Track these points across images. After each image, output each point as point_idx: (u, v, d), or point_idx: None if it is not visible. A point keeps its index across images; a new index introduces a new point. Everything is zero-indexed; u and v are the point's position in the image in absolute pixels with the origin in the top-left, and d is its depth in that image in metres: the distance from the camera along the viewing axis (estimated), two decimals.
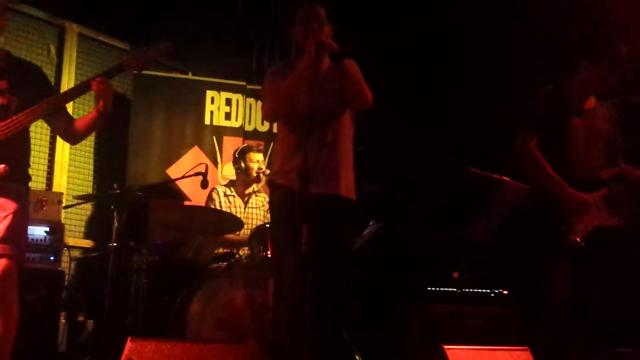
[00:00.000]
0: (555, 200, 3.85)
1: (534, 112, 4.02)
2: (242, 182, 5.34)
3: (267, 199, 5.26)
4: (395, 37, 5.86)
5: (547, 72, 4.30)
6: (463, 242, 4.66)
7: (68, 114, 3.53)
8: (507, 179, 4.36)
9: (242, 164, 5.30)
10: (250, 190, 5.35)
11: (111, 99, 3.38)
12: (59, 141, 5.72)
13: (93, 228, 5.88)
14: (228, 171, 5.98)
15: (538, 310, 3.87)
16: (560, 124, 3.95)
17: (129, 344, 2.55)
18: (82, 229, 5.88)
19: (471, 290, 4.50)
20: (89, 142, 6.02)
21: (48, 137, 5.72)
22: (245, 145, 5.61)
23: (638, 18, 4.58)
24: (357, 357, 3.75)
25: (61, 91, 4.10)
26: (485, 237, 4.55)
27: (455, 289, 4.49)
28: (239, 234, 5.09)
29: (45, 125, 3.97)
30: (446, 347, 2.68)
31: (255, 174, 5.27)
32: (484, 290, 4.49)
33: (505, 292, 4.46)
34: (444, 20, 5.76)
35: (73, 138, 3.62)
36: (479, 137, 5.25)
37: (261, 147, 5.49)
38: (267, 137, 6.27)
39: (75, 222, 5.83)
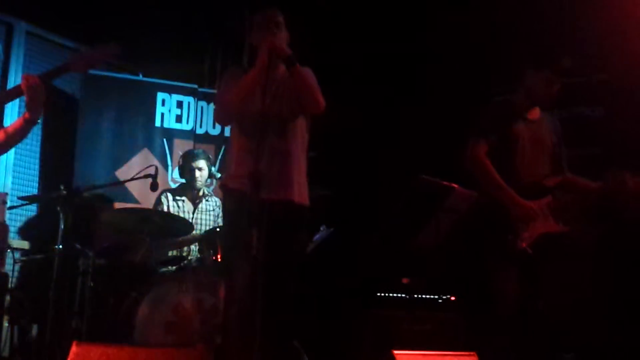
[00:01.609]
0: (502, 208, 3.91)
1: (483, 122, 4.08)
2: (190, 187, 5.29)
3: (219, 203, 5.22)
4: (352, 47, 5.87)
5: (500, 84, 4.36)
6: (413, 248, 4.69)
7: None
8: (456, 186, 4.41)
9: (187, 172, 5.25)
10: (200, 194, 5.30)
11: (41, 103, 3.13)
12: None
13: (38, 230, 5.73)
14: (177, 174, 5.91)
15: (486, 315, 3.92)
16: (507, 133, 4.02)
17: (74, 349, 2.50)
18: (27, 231, 5.73)
19: (420, 296, 4.53)
20: (35, 142, 5.89)
21: None
22: (187, 151, 5.54)
23: (594, 33, 4.67)
24: None
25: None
26: (435, 243, 4.59)
27: (404, 295, 4.52)
28: (187, 238, 5.03)
29: None
30: (396, 352, 2.68)
31: (198, 182, 5.22)
32: (433, 297, 4.53)
33: (453, 298, 4.50)
34: (403, 33, 5.79)
35: None
36: (430, 145, 5.29)
37: (206, 153, 5.42)
38: (219, 140, 6.24)
39: (19, 223, 5.68)
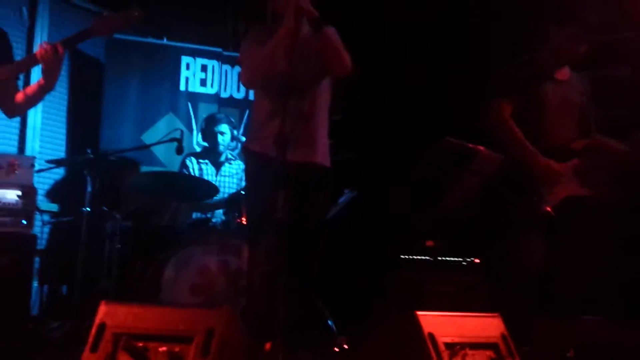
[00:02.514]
0: (527, 170, 3.90)
1: (508, 82, 4.04)
2: (213, 151, 5.31)
3: (242, 167, 5.25)
4: (375, 7, 5.80)
5: (525, 43, 4.30)
6: (438, 211, 4.69)
7: (16, 85, 3.38)
8: (482, 148, 4.39)
9: (210, 136, 5.27)
10: (223, 158, 5.32)
11: (56, 71, 3.16)
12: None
13: (66, 193, 5.81)
14: (201, 138, 5.94)
15: (508, 278, 3.94)
16: (533, 94, 3.99)
17: (102, 308, 2.54)
18: (55, 194, 5.82)
19: (444, 258, 4.54)
20: (62, 106, 5.94)
21: None
22: (209, 115, 5.56)
23: None
24: (330, 324, 3.79)
25: None
26: (460, 205, 4.59)
27: (428, 258, 4.53)
28: (212, 201, 5.08)
29: None
30: (419, 313, 2.69)
31: (221, 146, 5.24)
32: (457, 259, 4.54)
33: (477, 260, 4.51)
34: None
35: (10, 111, 3.45)
36: (456, 106, 5.25)
37: (228, 117, 5.43)
38: (243, 104, 6.24)
39: (47, 186, 5.77)
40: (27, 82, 4.62)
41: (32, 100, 3.31)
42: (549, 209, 3.82)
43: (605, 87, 4.20)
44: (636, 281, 4.17)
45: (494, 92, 4.01)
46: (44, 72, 3.15)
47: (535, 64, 4.04)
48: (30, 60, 3.21)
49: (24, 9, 5.71)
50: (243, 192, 4.68)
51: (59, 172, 5.86)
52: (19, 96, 3.31)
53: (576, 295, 3.72)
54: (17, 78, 3.35)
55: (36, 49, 3.83)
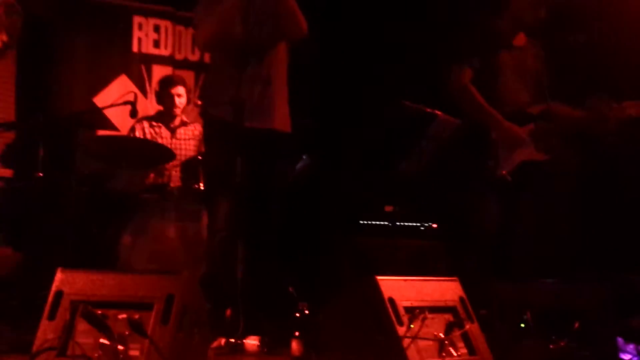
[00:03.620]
0: (484, 135, 3.94)
1: (467, 48, 4.07)
2: (168, 115, 5.24)
3: (199, 130, 5.20)
4: None
5: (485, 9, 4.32)
6: (396, 176, 4.74)
7: None
8: (439, 112, 4.43)
9: (165, 98, 5.20)
10: (178, 122, 5.26)
11: (18, 27, 3.13)
12: None
13: (20, 158, 5.68)
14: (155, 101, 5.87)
15: (466, 242, 4.01)
16: (491, 60, 4.02)
17: (59, 275, 2.52)
18: (9, 159, 5.67)
19: (402, 224, 4.59)
20: (11, 68, 5.78)
21: None
22: (165, 77, 5.48)
23: None
24: (290, 290, 3.82)
25: None
26: (418, 170, 4.64)
27: (387, 223, 4.58)
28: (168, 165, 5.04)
29: None
30: (379, 278, 2.73)
31: (177, 109, 5.17)
32: (415, 224, 4.59)
33: (435, 225, 4.57)
34: None
35: None
36: (414, 71, 5.26)
37: (184, 80, 5.37)
38: (199, 67, 6.16)
39: None
40: None
41: None
42: (505, 173, 3.88)
43: (561, 53, 4.25)
44: (590, 243, 4.28)
45: (454, 58, 4.03)
46: (3, 27, 3.07)
47: (494, 31, 4.07)
48: None
49: None
50: (200, 157, 4.65)
51: (8, 137, 5.72)
52: None
53: (532, 258, 3.81)
54: None
55: None
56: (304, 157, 4.92)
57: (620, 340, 3.24)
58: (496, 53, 4.04)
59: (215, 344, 3.22)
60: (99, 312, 2.42)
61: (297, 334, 3.03)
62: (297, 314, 3.08)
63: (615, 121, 3.94)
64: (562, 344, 2.83)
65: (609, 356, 2.90)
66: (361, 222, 4.58)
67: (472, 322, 2.84)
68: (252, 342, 3.28)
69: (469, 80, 3.98)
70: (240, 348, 3.26)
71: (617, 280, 3.86)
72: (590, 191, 4.36)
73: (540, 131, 3.98)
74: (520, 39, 4.12)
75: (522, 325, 2.91)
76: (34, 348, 2.37)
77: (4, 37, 3.11)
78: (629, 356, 3.28)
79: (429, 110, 4.46)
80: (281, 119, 3.69)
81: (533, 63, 4.13)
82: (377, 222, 4.59)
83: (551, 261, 3.77)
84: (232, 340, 3.28)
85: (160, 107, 5.34)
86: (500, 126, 3.92)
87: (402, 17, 5.64)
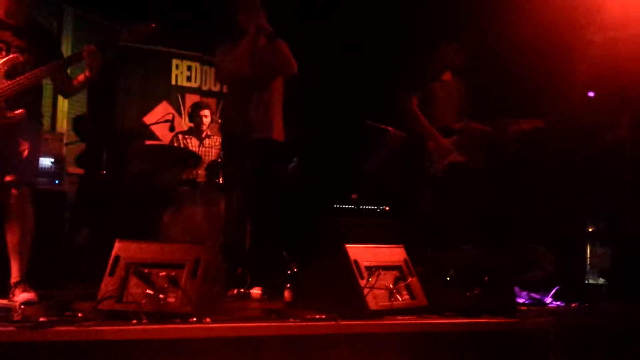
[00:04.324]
0: (422, 144, 3.95)
1: (413, 81, 4.07)
2: (197, 130, 5.23)
3: (219, 141, 5.17)
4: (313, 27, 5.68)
5: (423, 55, 4.31)
6: (360, 173, 4.73)
7: (67, 74, 3.28)
8: (390, 128, 4.42)
9: (195, 118, 5.19)
10: (204, 135, 5.24)
11: (98, 66, 3.11)
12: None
13: (87, 160, 5.61)
14: (189, 120, 5.85)
15: (409, 220, 4.01)
16: (428, 90, 4.03)
17: (117, 245, 2.50)
18: (82, 161, 5.58)
19: (364, 207, 4.57)
20: (84, 95, 5.72)
21: (51, 89, 5.37)
22: (196, 102, 5.49)
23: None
24: (284, 254, 3.80)
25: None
26: (376, 169, 4.64)
27: (353, 206, 4.56)
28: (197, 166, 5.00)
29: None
30: (347, 246, 2.73)
31: (204, 126, 5.16)
32: (373, 207, 4.58)
33: (387, 208, 4.56)
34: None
35: (67, 94, 3.38)
36: (373, 97, 5.22)
37: (209, 105, 5.37)
38: (219, 95, 6.14)
39: (72, 155, 5.56)
40: None
41: (81, 87, 3.21)
42: (436, 171, 3.89)
43: (476, 86, 4.27)
44: (497, 221, 4.30)
45: (402, 88, 4.04)
46: (88, 65, 3.05)
47: (430, 70, 4.08)
48: (77, 56, 3.10)
49: (53, 23, 5.44)
50: (220, 160, 4.62)
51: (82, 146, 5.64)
52: (73, 82, 3.19)
53: (456, 231, 3.82)
54: (67, 68, 3.21)
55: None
56: (295, 159, 4.90)
57: (517, 289, 3.26)
58: (431, 85, 4.05)
59: (229, 293, 3.21)
60: (146, 270, 2.41)
61: (288, 285, 3.02)
62: (289, 272, 3.07)
63: (512, 133, 3.97)
64: (475, 292, 2.83)
65: (509, 300, 2.91)
66: (335, 206, 4.56)
67: (413, 276, 2.85)
68: (256, 291, 3.27)
69: (415, 105, 3.99)
70: (247, 296, 3.26)
71: (515, 247, 3.89)
72: (496, 183, 4.38)
73: (461, 141, 4.01)
74: (447, 76, 4.13)
75: (448, 279, 2.91)
76: (99, 296, 2.35)
77: (89, 74, 3.10)
78: (523, 299, 3.31)
79: (383, 126, 4.45)
80: (277, 132, 3.67)
81: (456, 93, 4.14)
82: (346, 206, 4.57)
83: (469, 233, 3.78)
84: (242, 290, 3.27)
85: (192, 124, 5.31)
86: (434, 138, 3.94)
87: (365, 59, 5.61)
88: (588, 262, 4.64)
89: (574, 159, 4.49)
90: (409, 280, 2.80)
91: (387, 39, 5.43)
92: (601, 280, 4.45)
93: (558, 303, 3.28)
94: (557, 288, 3.35)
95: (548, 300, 3.31)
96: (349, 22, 5.57)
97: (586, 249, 4.66)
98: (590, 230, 4.76)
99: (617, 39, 4.67)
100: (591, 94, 4.92)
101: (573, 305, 3.26)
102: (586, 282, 4.49)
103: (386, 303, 2.66)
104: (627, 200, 4.25)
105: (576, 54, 4.75)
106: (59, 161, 4.36)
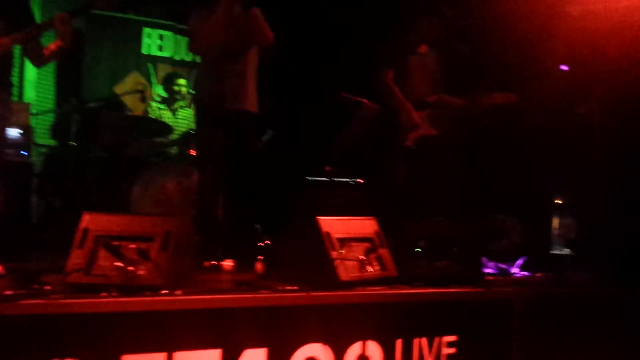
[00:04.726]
0: (395, 117, 3.95)
1: (389, 55, 4.05)
2: (171, 100, 5.14)
3: (192, 112, 5.10)
4: None
5: (402, 28, 4.28)
6: (334, 145, 4.72)
7: (40, 42, 3.17)
8: (365, 100, 4.41)
9: (170, 87, 5.10)
10: (177, 105, 5.15)
11: (70, 35, 3.03)
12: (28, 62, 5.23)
13: (57, 131, 5.50)
14: (160, 91, 5.75)
15: (381, 192, 4.04)
16: (404, 63, 4.01)
17: (85, 217, 2.45)
18: (55, 132, 5.47)
19: (338, 179, 4.58)
20: (52, 64, 5.57)
21: (18, 57, 5.20)
22: (170, 73, 5.41)
23: None
24: (257, 227, 3.80)
25: None
26: (350, 142, 4.63)
27: (327, 179, 4.56)
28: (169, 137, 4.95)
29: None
30: (319, 218, 2.73)
31: (178, 96, 5.08)
32: (347, 179, 4.58)
33: (360, 180, 4.57)
34: None
35: (39, 62, 3.26)
36: (350, 70, 5.19)
37: (183, 75, 5.29)
38: (192, 65, 6.04)
39: (43, 126, 5.44)
40: None
41: (53, 56, 3.11)
42: (409, 143, 3.90)
43: (452, 59, 4.26)
44: (466, 193, 4.34)
45: (380, 62, 4.02)
46: (59, 34, 2.96)
47: (407, 42, 4.06)
48: (48, 24, 3.00)
49: None
50: (193, 131, 4.57)
51: (51, 116, 5.52)
52: (45, 51, 3.10)
53: (428, 203, 3.85)
54: (40, 37, 3.11)
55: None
56: (268, 131, 4.87)
57: (484, 259, 3.33)
58: (407, 58, 4.03)
59: (201, 265, 3.20)
60: (115, 243, 2.38)
61: (260, 257, 3.03)
62: (261, 244, 3.07)
63: (486, 107, 3.99)
64: (445, 262, 2.88)
65: (476, 270, 2.97)
66: (308, 178, 4.56)
67: (384, 248, 2.87)
68: (228, 264, 3.27)
69: (391, 78, 3.97)
70: (219, 268, 3.25)
71: (482, 219, 3.95)
72: (468, 156, 4.42)
73: (433, 114, 4.02)
74: (423, 48, 4.11)
75: (418, 250, 2.95)
76: (67, 269, 2.32)
77: (60, 43, 3.00)
78: (490, 270, 3.38)
79: (357, 99, 4.43)
80: (252, 103, 3.64)
81: (431, 66, 4.13)
82: (320, 179, 4.57)
83: (440, 205, 3.82)
84: (214, 262, 3.26)
85: (163, 95, 5.23)
86: (407, 111, 3.93)
87: (342, 34, 5.54)
88: (554, 233, 4.74)
89: (543, 131, 4.55)
90: (379, 251, 2.81)
91: (364, 11, 5.38)
92: (566, 251, 4.56)
93: (524, 273, 3.36)
94: (524, 259, 3.43)
95: (514, 270, 3.38)
96: None
97: (552, 220, 4.76)
98: (556, 201, 4.86)
99: (594, 12, 4.69)
100: (565, 67, 4.96)
101: (538, 275, 3.34)
102: (552, 252, 4.60)
103: (357, 274, 2.67)
104: (593, 172, 4.34)
105: (552, 27, 4.77)
106: (26, 132, 4.27)
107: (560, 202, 4.86)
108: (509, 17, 4.57)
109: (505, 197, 4.45)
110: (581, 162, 4.54)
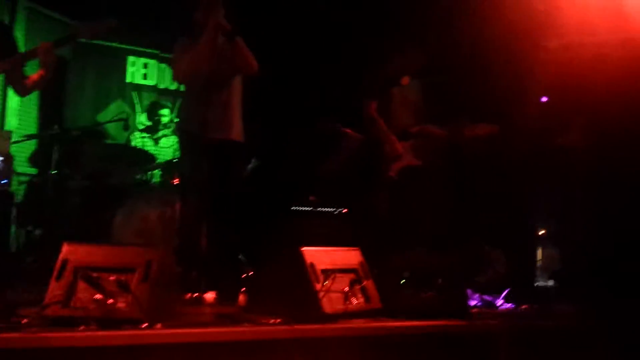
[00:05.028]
0: (380, 147, 3.98)
1: (373, 87, 4.11)
2: (154, 128, 5.15)
3: (176, 141, 5.10)
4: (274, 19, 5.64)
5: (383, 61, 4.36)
6: (319, 175, 4.73)
7: (23, 71, 3.17)
8: (349, 130, 4.44)
9: (154, 117, 5.12)
10: (160, 134, 5.16)
11: (54, 64, 3.04)
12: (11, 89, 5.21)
13: (38, 159, 5.45)
14: (144, 119, 5.75)
15: (366, 223, 4.04)
16: (387, 94, 4.07)
17: (65, 247, 2.42)
18: (35, 160, 5.41)
19: (322, 209, 4.58)
20: (35, 93, 5.54)
21: (1, 86, 5.19)
22: (154, 101, 5.42)
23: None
24: (241, 257, 3.77)
25: None
26: (334, 172, 4.64)
27: (312, 208, 4.57)
28: (152, 166, 4.93)
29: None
30: (303, 249, 2.72)
31: (161, 125, 5.09)
32: (331, 209, 4.59)
33: (345, 210, 4.58)
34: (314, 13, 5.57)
35: (23, 91, 3.26)
36: (335, 101, 5.24)
37: (168, 103, 5.32)
38: (176, 94, 6.06)
39: (24, 154, 5.38)
40: None
41: (36, 86, 3.10)
42: (392, 174, 3.93)
43: (434, 90, 4.33)
44: (451, 224, 4.36)
45: (363, 93, 4.08)
46: (43, 64, 2.97)
47: (389, 73, 4.12)
48: (32, 54, 3.00)
49: (5, 16, 5.26)
50: (176, 160, 4.56)
51: (32, 143, 5.47)
52: (28, 81, 3.09)
53: (412, 234, 3.86)
54: (24, 66, 3.10)
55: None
56: (253, 160, 4.87)
57: (469, 291, 3.33)
58: (390, 89, 4.09)
59: (183, 298, 3.16)
60: (95, 275, 2.34)
61: (243, 289, 3.00)
62: (244, 275, 3.04)
63: (468, 138, 4.05)
64: (430, 294, 2.87)
65: (461, 302, 2.96)
66: (293, 208, 4.55)
67: (368, 279, 2.86)
68: (210, 296, 3.23)
69: (374, 109, 4.02)
70: (201, 300, 3.21)
71: (468, 250, 3.97)
72: (451, 186, 4.45)
73: (417, 144, 4.06)
74: (405, 80, 4.17)
75: (403, 281, 2.94)
76: (45, 301, 2.28)
77: (43, 73, 3.01)
78: (475, 301, 3.38)
79: (341, 128, 4.47)
80: (236, 132, 3.64)
81: (414, 96, 4.19)
82: (305, 208, 4.57)
83: (424, 236, 3.83)
84: (196, 294, 3.22)
85: (149, 123, 5.24)
86: (390, 141, 3.97)
87: (329, 61, 5.60)
88: (538, 265, 4.77)
89: (526, 162, 4.61)
90: (364, 283, 2.81)
91: (348, 42, 5.46)
92: (551, 282, 4.59)
93: (509, 305, 3.36)
94: (508, 290, 3.44)
95: (499, 302, 3.39)
96: (311, 23, 5.58)
97: (536, 251, 4.80)
98: (540, 232, 4.90)
99: (572, 45, 4.82)
100: (544, 98, 5.07)
101: (523, 307, 3.35)
102: (536, 284, 4.62)
103: (341, 306, 2.66)
104: (576, 204, 4.39)
105: (531, 59, 4.88)
106: (6, 161, 4.22)
107: (544, 233, 4.90)
108: (491, 48, 4.68)
109: (488, 228, 4.48)
110: (564, 193, 4.60)
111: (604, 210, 4.40)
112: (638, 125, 4.28)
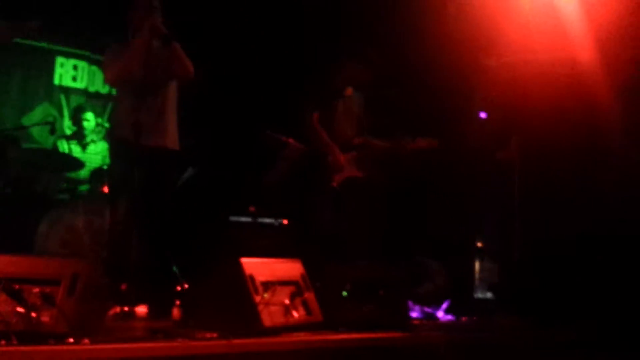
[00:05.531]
0: (322, 158, 4.01)
1: (315, 96, 4.13)
2: (80, 134, 4.98)
3: (106, 147, 4.95)
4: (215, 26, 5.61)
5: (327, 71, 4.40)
6: (259, 185, 4.71)
7: None
8: (291, 140, 4.45)
9: (78, 121, 4.95)
10: (88, 139, 4.99)
11: None
12: None
13: None
14: (70, 124, 5.57)
15: (307, 234, 4.05)
16: (330, 106, 4.11)
17: None
18: None
19: (262, 220, 4.55)
20: None
21: None
22: (78, 105, 5.26)
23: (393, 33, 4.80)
24: (174, 269, 3.68)
25: None
26: (275, 182, 4.63)
27: (251, 219, 4.53)
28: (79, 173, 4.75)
29: None
30: (242, 260, 2.69)
31: (86, 130, 4.93)
32: (271, 220, 4.57)
33: (285, 221, 4.57)
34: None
35: None
36: (275, 111, 5.23)
37: (96, 107, 5.16)
38: (107, 98, 5.88)
39: None
40: None
41: None
42: (334, 184, 3.97)
43: (378, 103, 4.42)
44: (392, 235, 4.44)
45: (305, 103, 4.09)
46: None
47: (332, 85, 4.17)
48: None
49: None
50: (105, 167, 4.42)
51: None
52: None
53: (353, 246, 3.89)
54: None
55: None
56: (190, 169, 4.79)
57: (410, 303, 3.39)
58: (332, 101, 4.13)
59: (112, 312, 3.05)
60: (17, 286, 2.22)
61: (177, 303, 2.92)
62: (179, 288, 2.97)
63: (410, 150, 4.15)
64: (371, 306, 2.90)
65: (403, 314, 3.01)
66: (231, 218, 4.50)
67: (309, 291, 2.86)
68: (141, 309, 3.13)
69: (316, 120, 4.05)
70: (132, 314, 3.10)
71: (409, 262, 4.05)
72: (393, 198, 4.54)
73: (359, 156, 4.12)
74: (348, 91, 4.24)
75: (344, 293, 2.96)
76: None
77: None
78: (416, 314, 3.44)
79: (283, 138, 4.47)
80: (171, 139, 3.56)
81: (357, 108, 4.25)
82: (244, 219, 4.53)
83: (365, 248, 3.88)
84: (126, 308, 3.11)
85: (75, 128, 5.06)
86: (333, 153, 4.00)
87: (266, 71, 5.61)
88: (477, 277, 4.93)
89: (465, 176, 4.77)
90: (305, 295, 2.81)
91: (291, 51, 5.48)
92: (489, 295, 4.74)
93: (449, 317, 3.44)
94: (448, 302, 3.52)
95: (440, 314, 3.46)
96: (253, 31, 5.57)
97: (475, 264, 4.95)
98: (479, 245, 5.07)
99: (512, 64, 5.05)
100: (483, 114, 5.28)
101: (464, 319, 3.44)
102: (475, 296, 4.76)
103: (282, 319, 2.65)
104: (514, 217, 4.57)
105: (472, 77, 5.08)
106: None
107: (482, 245, 5.07)
108: (433, 64, 4.83)
109: (428, 240, 4.59)
110: (502, 207, 4.78)
111: (540, 222, 4.60)
112: (576, 142, 4.52)
